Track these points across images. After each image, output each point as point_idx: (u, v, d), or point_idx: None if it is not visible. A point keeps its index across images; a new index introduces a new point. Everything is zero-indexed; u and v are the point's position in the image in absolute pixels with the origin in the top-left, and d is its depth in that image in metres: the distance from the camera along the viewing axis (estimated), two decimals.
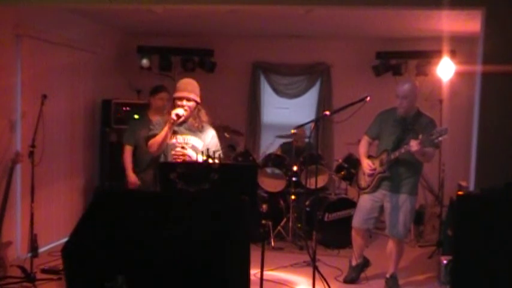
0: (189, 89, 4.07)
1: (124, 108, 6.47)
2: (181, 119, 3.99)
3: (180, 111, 3.95)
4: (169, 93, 5.40)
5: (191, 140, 4.08)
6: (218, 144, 4.17)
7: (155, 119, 4.59)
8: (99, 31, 6.70)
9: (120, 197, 3.17)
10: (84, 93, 6.36)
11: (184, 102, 4.02)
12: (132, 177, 5.16)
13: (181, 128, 4.08)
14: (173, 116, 3.91)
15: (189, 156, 4.01)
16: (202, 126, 4.11)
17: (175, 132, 4.04)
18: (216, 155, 3.66)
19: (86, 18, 6.28)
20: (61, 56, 5.78)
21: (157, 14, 5.74)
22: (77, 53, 6.08)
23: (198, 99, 4.11)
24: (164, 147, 4.00)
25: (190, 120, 4.08)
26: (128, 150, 5.23)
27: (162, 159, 4.05)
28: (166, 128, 3.94)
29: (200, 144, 4.06)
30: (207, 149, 3.95)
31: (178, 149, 4.04)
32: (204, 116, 4.14)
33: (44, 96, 4.93)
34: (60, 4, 5.38)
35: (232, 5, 4.95)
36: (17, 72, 5.15)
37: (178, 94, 4.07)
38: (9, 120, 5.09)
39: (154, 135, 4.03)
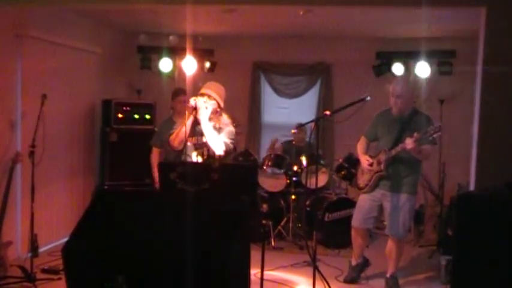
0: (212, 89, 4.31)
1: (124, 108, 6.49)
2: (198, 109, 4.14)
3: (198, 100, 4.15)
4: (186, 95, 5.72)
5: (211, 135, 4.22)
6: (232, 133, 4.30)
7: (179, 121, 4.90)
8: (99, 31, 6.69)
9: (120, 197, 3.18)
10: (84, 93, 6.35)
11: (205, 98, 4.22)
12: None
13: (202, 130, 4.23)
14: (191, 102, 4.13)
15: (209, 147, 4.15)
16: (221, 127, 4.27)
17: (196, 134, 4.23)
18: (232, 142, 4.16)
19: (86, 18, 6.28)
20: (61, 56, 5.77)
21: (158, 14, 5.74)
22: (77, 53, 6.07)
23: (221, 102, 4.29)
24: (183, 139, 4.15)
25: (212, 123, 4.24)
26: (156, 152, 5.66)
27: (183, 159, 4.17)
28: (185, 120, 4.15)
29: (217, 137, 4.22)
30: (208, 150, 4.01)
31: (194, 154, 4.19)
32: (226, 119, 4.33)
33: (44, 96, 4.93)
34: (60, 4, 5.37)
35: (232, 5, 4.95)
36: (17, 72, 5.15)
37: (201, 91, 4.33)
38: (9, 120, 5.08)
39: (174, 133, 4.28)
